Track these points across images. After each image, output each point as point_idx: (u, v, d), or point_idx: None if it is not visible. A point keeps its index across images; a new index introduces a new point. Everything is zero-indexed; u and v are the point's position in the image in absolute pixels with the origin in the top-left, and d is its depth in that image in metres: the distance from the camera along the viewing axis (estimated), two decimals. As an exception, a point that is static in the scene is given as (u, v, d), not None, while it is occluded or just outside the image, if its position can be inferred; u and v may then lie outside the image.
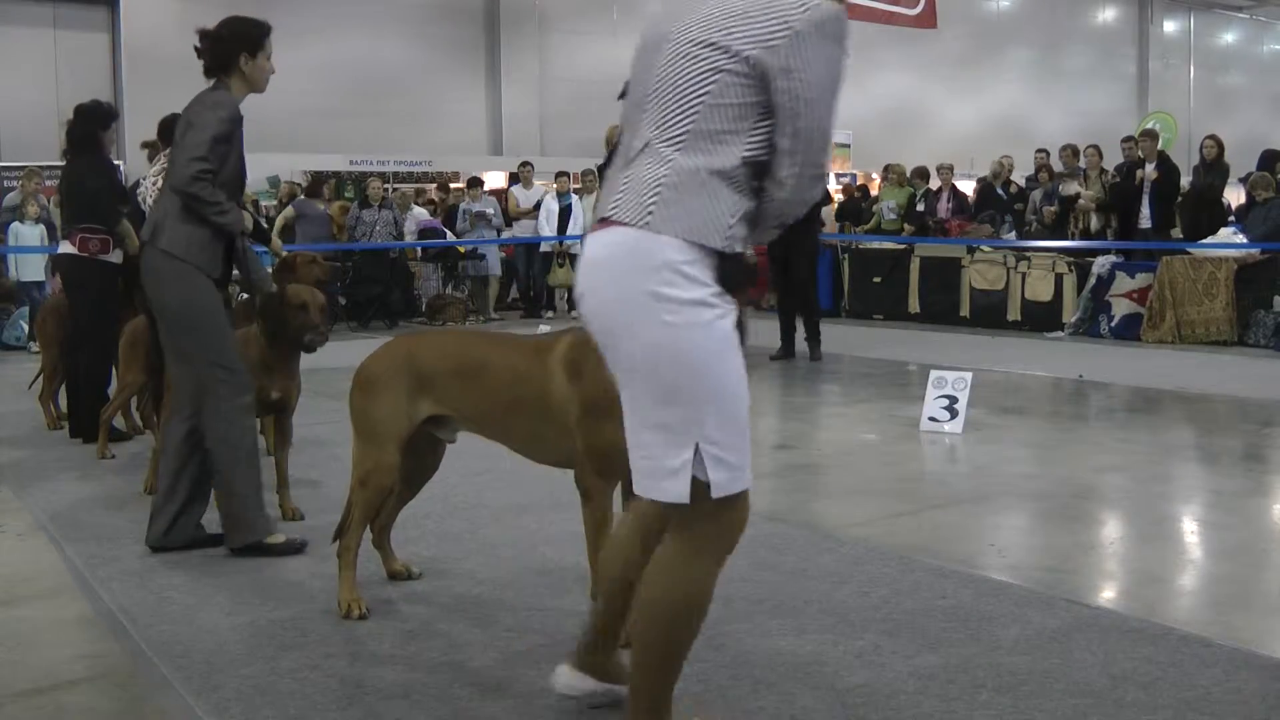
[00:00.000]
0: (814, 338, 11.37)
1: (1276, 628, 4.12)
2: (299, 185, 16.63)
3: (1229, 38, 34.75)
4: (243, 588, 4.45)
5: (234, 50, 4.86)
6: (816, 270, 14.10)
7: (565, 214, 16.36)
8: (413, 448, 4.08)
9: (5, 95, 18.11)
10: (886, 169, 17.58)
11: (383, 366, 3.99)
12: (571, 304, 16.94)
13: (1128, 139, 15.31)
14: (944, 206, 16.57)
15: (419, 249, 16.62)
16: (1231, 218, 14.27)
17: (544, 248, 16.59)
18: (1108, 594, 4.54)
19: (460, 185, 18.44)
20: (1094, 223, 14.56)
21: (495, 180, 19.27)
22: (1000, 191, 16.63)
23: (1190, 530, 5.61)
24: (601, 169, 10.92)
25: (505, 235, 16.69)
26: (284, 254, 7.19)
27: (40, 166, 14.65)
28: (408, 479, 4.26)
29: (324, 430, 7.36)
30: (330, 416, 7.52)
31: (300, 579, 4.54)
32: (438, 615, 4.11)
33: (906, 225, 16.04)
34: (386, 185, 17.50)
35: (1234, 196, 16.91)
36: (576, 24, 22.91)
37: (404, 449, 4.01)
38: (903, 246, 15.49)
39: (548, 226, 16.41)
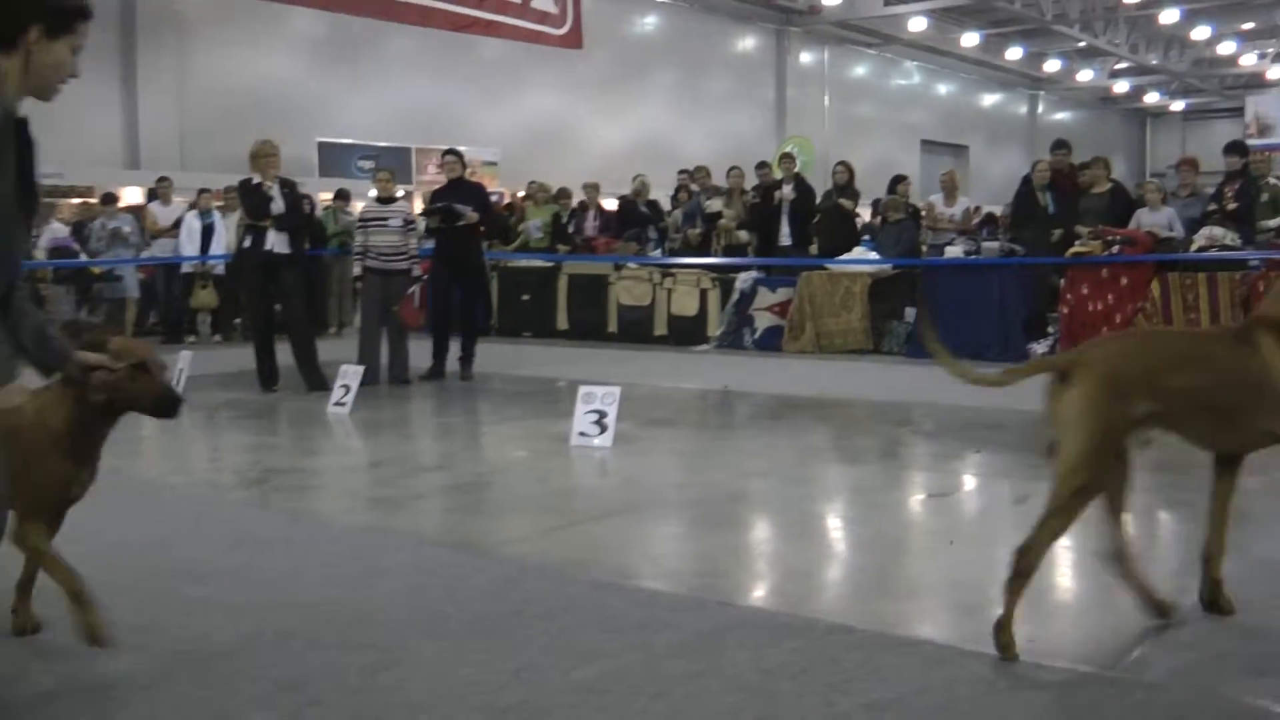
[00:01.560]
0: (468, 358, 11.28)
1: (912, 610, 4.32)
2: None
3: (860, 71, 37.04)
4: None
5: (24, 17, 3.21)
6: (486, 290, 14.02)
7: (208, 233, 15.64)
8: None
9: None
10: (531, 187, 17.64)
11: (1115, 364, 3.70)
12: (214, 327, 16.25)
13: (762, 164, 16.02)
14: (590, 224, 16.82)
15: (50, 269, 15.48)
16: (865, 236, 15.13)
17: (185, 268, 15.80)
18: (758, 593, 4.65)
19: (94, 200, 17.30)
20: (743, 237, 15.10)
21: (132, 196, 18.16)
22: (643, 209, 17.01)
23: (834, 526, 5.86)
24: (242, 184, 10.39)
25: (143, 255, 15.78)
26: None
27: None
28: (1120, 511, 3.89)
29: None
30: None
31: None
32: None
33: (561, 246, 16.13)
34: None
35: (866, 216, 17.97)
36: (219, 34, 21.83)
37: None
38: (550, 264, 15.60)
39: (189, 246, 15.64)
